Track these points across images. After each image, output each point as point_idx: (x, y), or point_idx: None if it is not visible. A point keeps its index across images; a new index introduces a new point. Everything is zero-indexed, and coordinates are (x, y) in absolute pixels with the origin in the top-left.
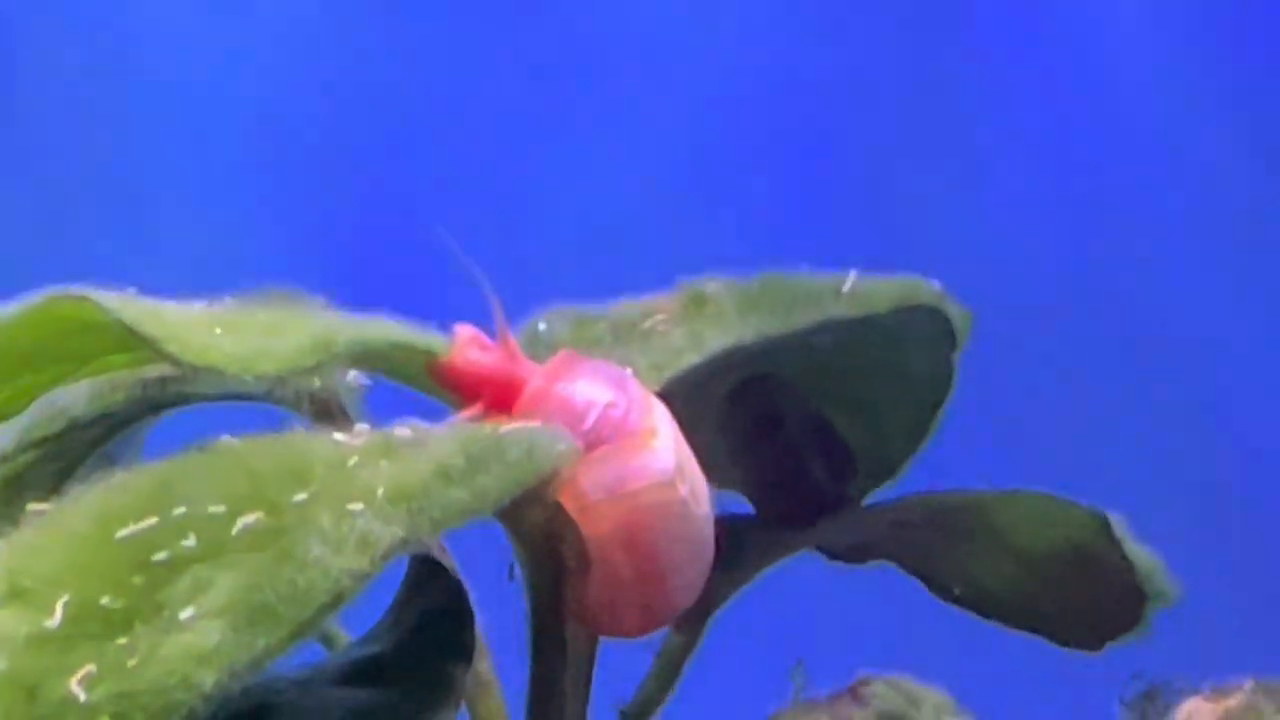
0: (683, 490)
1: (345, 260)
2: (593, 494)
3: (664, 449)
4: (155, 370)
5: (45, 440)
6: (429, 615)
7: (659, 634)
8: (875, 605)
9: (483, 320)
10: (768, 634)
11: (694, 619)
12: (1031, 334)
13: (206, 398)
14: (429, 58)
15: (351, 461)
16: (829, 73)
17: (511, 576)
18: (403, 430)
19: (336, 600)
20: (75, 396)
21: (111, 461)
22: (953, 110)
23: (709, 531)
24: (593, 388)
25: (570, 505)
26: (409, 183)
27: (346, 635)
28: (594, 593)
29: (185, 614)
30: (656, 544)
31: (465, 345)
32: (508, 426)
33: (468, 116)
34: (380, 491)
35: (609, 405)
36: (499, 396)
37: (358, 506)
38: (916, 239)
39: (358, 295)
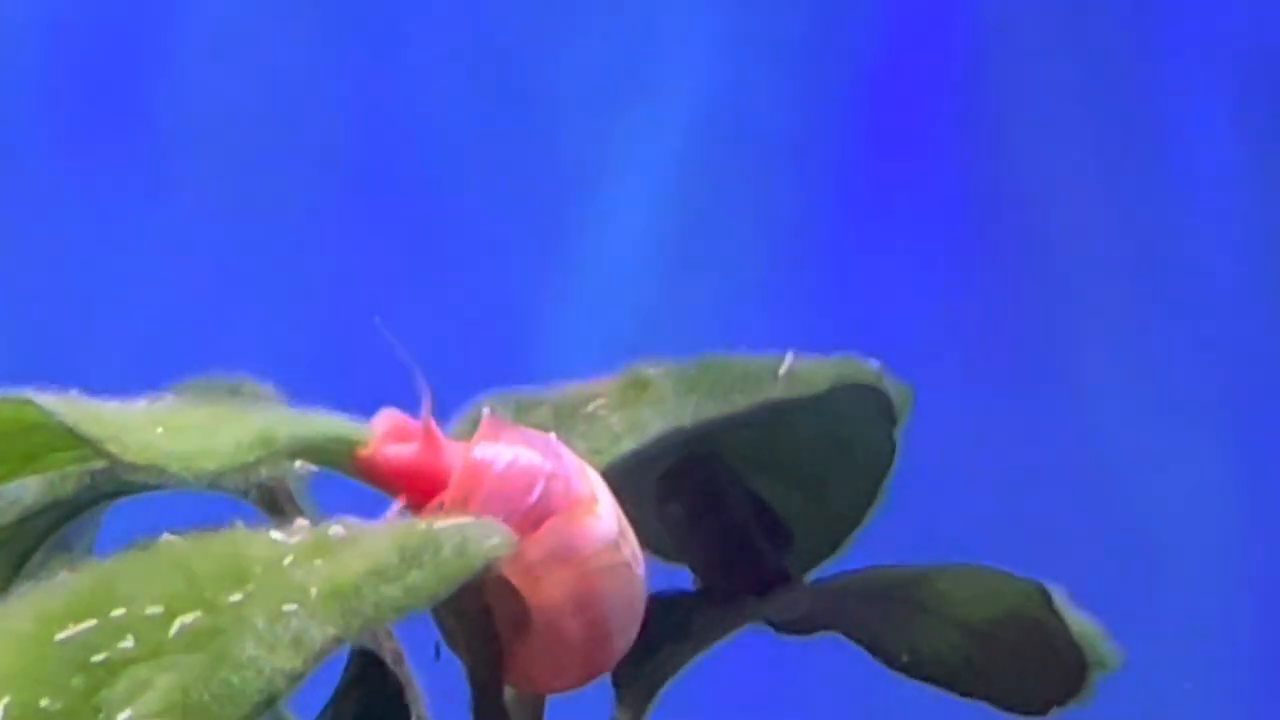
0: (625, 552)
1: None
2: (543, 566)
3: (606, 514)
4: (102, 462)
5: None
6: (368, 706)
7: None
8: (821, 676)
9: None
10: (713, 709)
11: (639, 697)
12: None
13: (153, 487)
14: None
15: (287, 560)
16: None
17: (438, 656)
18: (337, 528)
19: (270, 699)
20: (26, 487)
21: (67, 547)
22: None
23: (645, 591)
24: (529, 459)
25: (520, 579)
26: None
27: None
28: (537, 656)
29: (123, 715)
30: (605, 607)
31: (384, 438)
32: (441, 522)
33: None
34: (314, 591)
35: (550, 477)
36: (420, 490)
37: (292, 606)
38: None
39: (306, 380)
